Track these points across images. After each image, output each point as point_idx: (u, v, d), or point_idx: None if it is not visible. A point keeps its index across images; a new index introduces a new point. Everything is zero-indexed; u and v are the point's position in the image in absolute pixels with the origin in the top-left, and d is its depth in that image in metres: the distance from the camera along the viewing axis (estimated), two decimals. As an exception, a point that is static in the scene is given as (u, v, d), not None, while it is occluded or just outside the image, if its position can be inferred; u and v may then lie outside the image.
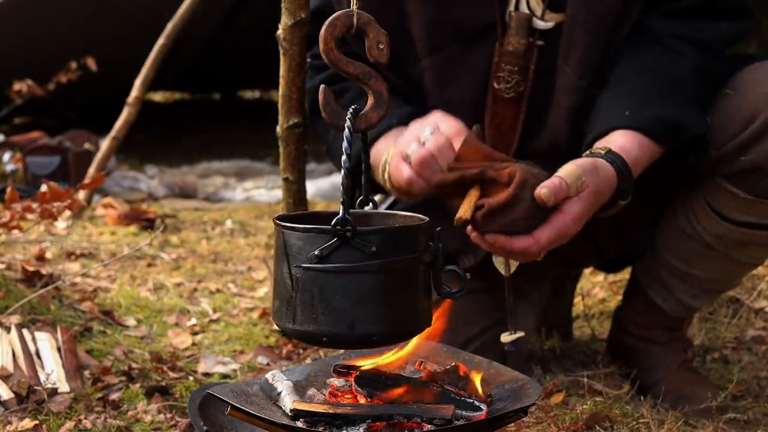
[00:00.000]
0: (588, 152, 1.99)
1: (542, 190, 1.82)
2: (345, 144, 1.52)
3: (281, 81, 2.38)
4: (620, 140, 1.99)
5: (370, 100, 1.58)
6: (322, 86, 1.55)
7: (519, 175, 1.82)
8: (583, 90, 2.11)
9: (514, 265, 2.16)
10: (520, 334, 2.01)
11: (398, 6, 2.16)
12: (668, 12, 2.12)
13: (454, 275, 1.60)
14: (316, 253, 1.50)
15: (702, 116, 2.05)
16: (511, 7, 2.14)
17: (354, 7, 1.56)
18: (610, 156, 1.95)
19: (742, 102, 2.04)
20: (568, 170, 1.88)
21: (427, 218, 1.61)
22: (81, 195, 4.26)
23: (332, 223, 1.49)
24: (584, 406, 2.16)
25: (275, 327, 2.80)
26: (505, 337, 2.01)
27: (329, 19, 1.55)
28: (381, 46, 1.57)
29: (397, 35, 2.13)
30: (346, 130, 1.54)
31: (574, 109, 2.12)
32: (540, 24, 2.13)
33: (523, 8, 2.13)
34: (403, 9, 2.15)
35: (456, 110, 2.18)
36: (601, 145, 2.00)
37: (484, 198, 1.86)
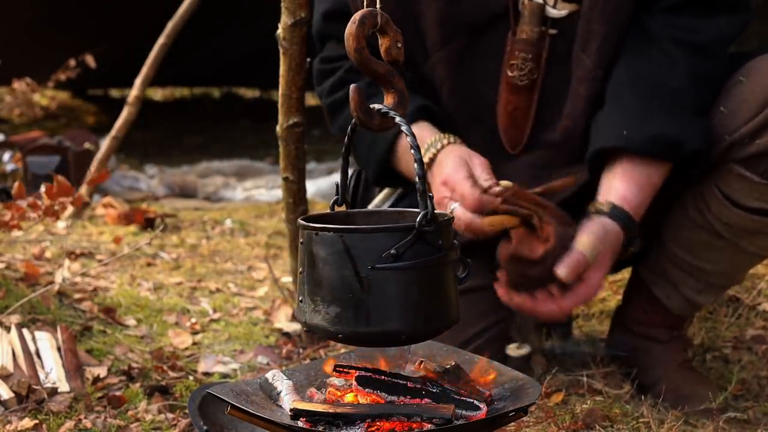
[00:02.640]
0: (593, 208, 2.06)
1: (561, 270, 1.93)
2: (410, 139, 1.51)
3: (281, 80, 2.39)
4: (620, 188, 2.05)
5: (392, 99, 1.58)
6: (354, 86, 1.53)
7: (552, 243, 1.94)
8: (600, 79, 2.14)
9: None
10: (528, 349, 2.03)
11: (410, 4, 2.17)
12: (667, 7, 2.12)
13: (460, 263, 1.65)
14: (392, 252, 1.50)
15: (700, 128, 2.08)
16: None
17: (378, 5, 1.55)
18: (614, 212, 2.02)
19: (756, 87, 2.06)
20: (585, 243, 1.97)
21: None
22: (83, 189, 4.26)
23: (418, 219, 1.49)
24: (584, 406, 2.16)
25: (276, 326, 2.81)
26: (513, 350, 2.03)
27: (357, 17, 1.53)
28: (399, 45, 1.57)
29: (408, 33, 2.14)
30: (405, 126, 1.52)
31: (592, 98, 2.15)
32: (553, 12, 2.15)
33: None
34: (415, 7, 2.17)
35: (470, 100, 2.19)
36: (603, 198, 2.06)
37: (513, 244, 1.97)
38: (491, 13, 2.16)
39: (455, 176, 2.06)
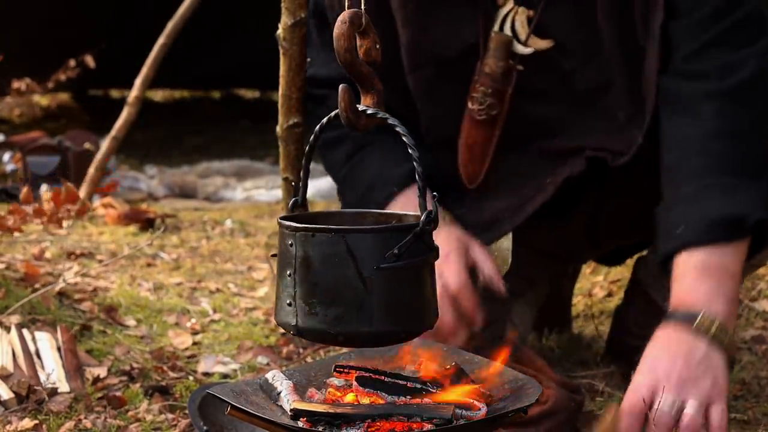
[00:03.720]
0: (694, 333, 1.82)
1: None
2: (407, 138, 1.51)
3: (281, 81, 2.38)
4: (677, 289, 1.86)
5: (372, 99, 1.58)
6: (343, 86, 1.53)
7: (549, 405, 1.95)
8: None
9: (507, 264, 2.18)
10: None
11: (388, 23, 2.13)
12: (690, 53, 1.97)
13: None
14: (395, 251, 1.50)
15: (756, 193, 1.89)
16: (496, 27, 2.09)
17: (363, 6, 1.56)
18: (669, 318, 1.84)
19: None
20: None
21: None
22: (83, 189, 4.27)
23: (422, 219, 1.51)
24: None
25: (280, 329, 2.81)
26: None
27: (346, 17, 1.52)
28: (378, 47, 1.58)
29: (388, 48, 2.13)
30: (400, 127, 1.53)
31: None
32: (519, 49, 2.08)
33: (507, 30, 2.09)
34: (393, 26, 2.13)
35: (437, 127, 2.17)
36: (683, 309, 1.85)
37: None
38: (463, 43, 2.11)
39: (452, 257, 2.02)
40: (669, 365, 1.78)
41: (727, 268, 1.87)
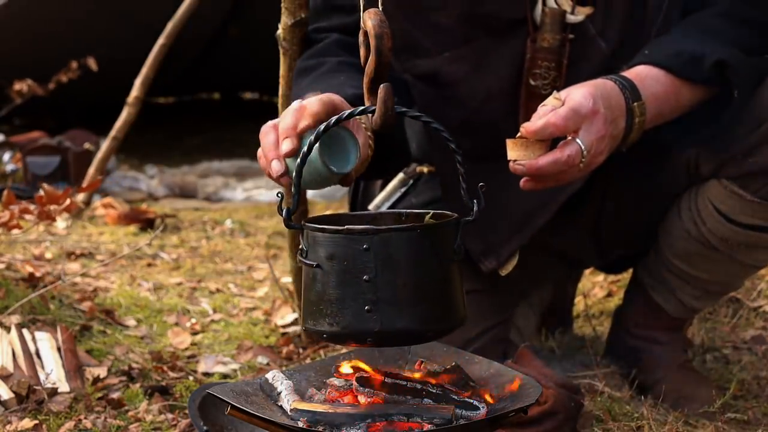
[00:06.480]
0: None
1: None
2: (446, 134, 1.55)
3: (281, 81, 2.38)
4: (633, 70, 1.98)
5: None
6: (387, 85, 1.52)
7: (549, 405, 1.97)
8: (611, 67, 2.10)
9: (511, 264, 2.18)
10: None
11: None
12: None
13: None
14: (459, 241, 1.55)
15: (726, 48, 1.98)
16: (541, 4, 2.12)
17: (380, 5, 1.56)
18: (612, 77, 1.95)
19: (753, 105, 2.03)
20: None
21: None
22: (80, 197, 4.26)
23: (473, 210, 1.55)
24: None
25: (276, 327, 2.81)
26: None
27: (382, 15, 1.53)
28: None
29: (417, 24, 2.13)
30: (438, 124, 1.56)
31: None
32: (571, 18, 2.12)
33: (552, 4, 2.12)
34: (426, 2, 2.13)
35: (489, 100, 2.16)
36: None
37: None
38: (511, 18, 2.12)
39: None
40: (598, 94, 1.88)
41: (677, 95, 1.98)
